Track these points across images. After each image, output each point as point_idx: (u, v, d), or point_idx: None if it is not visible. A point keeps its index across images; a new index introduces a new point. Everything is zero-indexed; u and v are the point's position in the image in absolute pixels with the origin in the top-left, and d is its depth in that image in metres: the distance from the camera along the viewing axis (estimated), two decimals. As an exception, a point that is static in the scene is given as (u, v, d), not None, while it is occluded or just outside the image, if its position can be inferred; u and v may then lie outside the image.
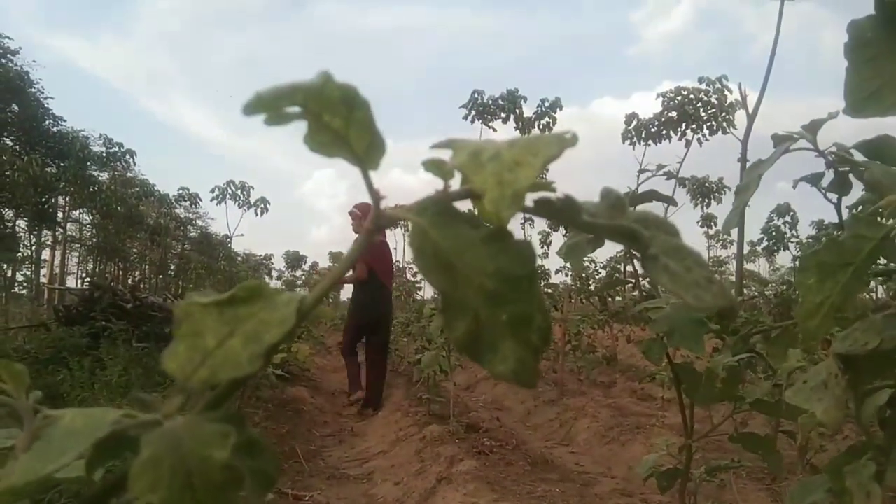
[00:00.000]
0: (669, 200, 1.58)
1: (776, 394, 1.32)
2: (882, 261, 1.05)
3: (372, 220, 0.34)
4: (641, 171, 1.51)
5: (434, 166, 0.33)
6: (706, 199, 23.53)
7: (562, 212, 0.33)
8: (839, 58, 0.70)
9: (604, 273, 11.02)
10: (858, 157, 1.09)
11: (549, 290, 7.83)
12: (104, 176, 24.80)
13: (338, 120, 0.30)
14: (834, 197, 1.17)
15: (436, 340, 4.64)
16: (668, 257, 0.33)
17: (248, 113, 0.28)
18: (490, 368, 0.31)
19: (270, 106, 0.28)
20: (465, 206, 0.33)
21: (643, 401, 6.20)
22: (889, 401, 0.95)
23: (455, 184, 0.35)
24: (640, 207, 1.57)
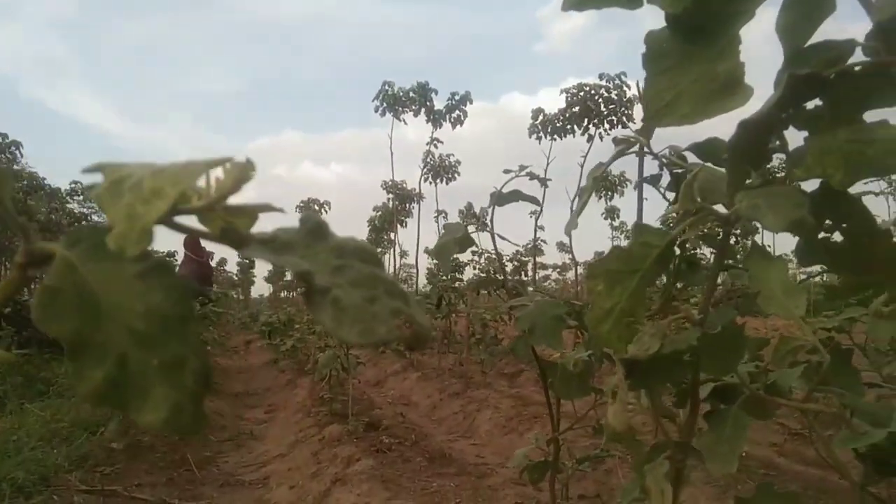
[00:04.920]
0: (532, 200, 1.62)
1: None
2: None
3: (23, 253, 0.30)
4: (506, 171, 1.52)
5: (90, 192, 0.30)
6: (610, 193, 24.46)
7: (232, 241, 0.31)
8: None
9: (511, 266, 11.25)
10: (693, 158, 1.14)
11: (456, 284, 7.88)
12: (-16, 169, 23.00)
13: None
14: (672, 196, 1.23)
15: (334, 339, 4.57)
16: (349, 288, 0.31)
17: None
18: (139, 418, 0.28)
19: None
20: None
21: (546, 389, 6.36)
22: (710, 393, 1.00)
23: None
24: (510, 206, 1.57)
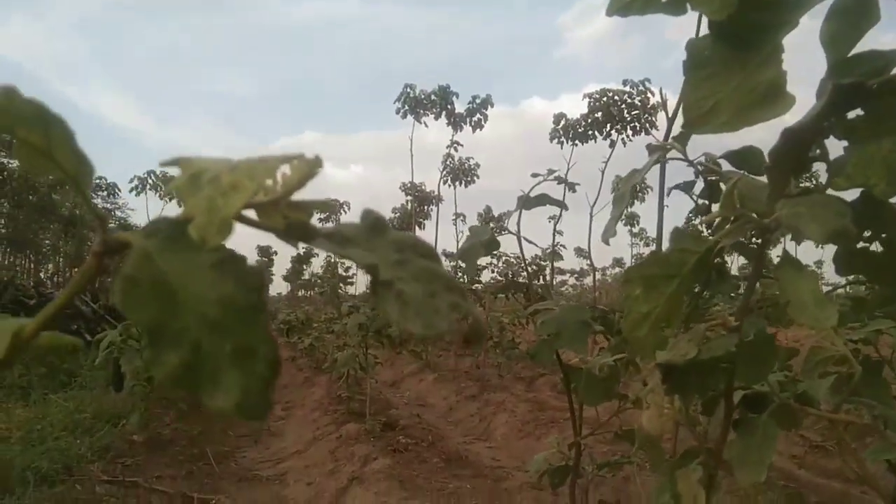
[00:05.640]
0: (560, 204, 1.62)
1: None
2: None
3: (100, 243, 0.31)
4: (534, 174, 1.53)
5: (166, 185, 0.31)
6: (630, 199, 24.30)
7: (299, 236, 0.32)
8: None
9: (530, 269, 11.23)
10: (727, 166, 1.14)
11: (475, 287, 7.88)
12: (14, 163, 23.44)
13: (35, 136, 0.28)
14: (702, 204, 1.22)
15: (352, 338, 4.60)
16: (411, 282, 0.32)
17: None
18: (212, 402, 0.29)
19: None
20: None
21: (563, 394, 6.34)
22: (740, 402, 1.00)
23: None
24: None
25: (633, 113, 19.13)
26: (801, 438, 4.01)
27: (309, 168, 0.33)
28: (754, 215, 0.67)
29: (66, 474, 3.14)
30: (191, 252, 0.30)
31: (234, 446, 4.37)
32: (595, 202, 20.28)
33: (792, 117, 0.68)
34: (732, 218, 0.67)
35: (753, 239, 1.09)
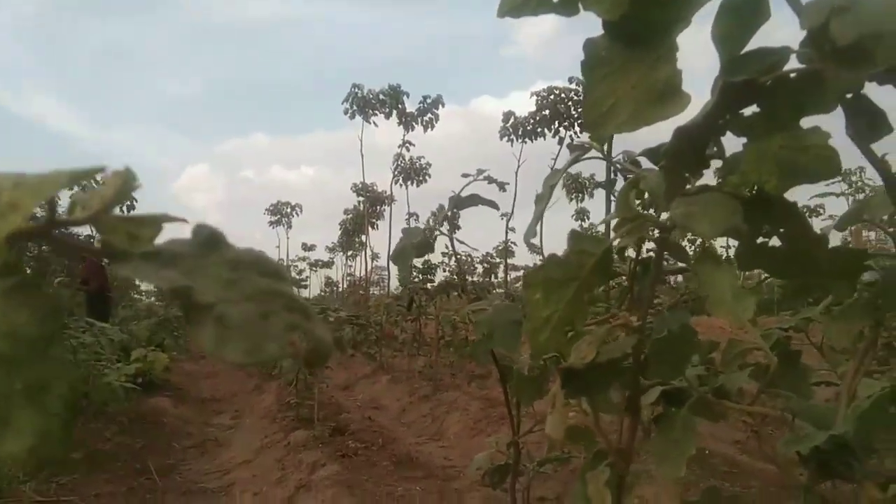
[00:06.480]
0: (491, 204, 1.61)
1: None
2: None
3: None
4: (464, 175, 1.52)
5: None
6: (580, 195, 24.73)
7: (114, 256, 0.30)
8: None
9: (480, 268, 11.25)
10: (647, 164, 1.14)
11: (428, 286, 7.87)
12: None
13: None
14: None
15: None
16: (241, 303, 0.30)
17: None
18: (1, 447, 0.26)
19: None
20: None
21: (515, 391, 6.38)
22: (660, 396, 1.01)
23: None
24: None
25: (579, 109, 19.43)
26: (743, 424, 4.12)
27: (123, 182, 0.31)
28: (652, 214, 0.67)
29: (-5, 497, 2.99)
30: (-20, 279, 0.27)
31: (180, 459, 4.25)
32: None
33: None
34: (631, 218, 0.67)
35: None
